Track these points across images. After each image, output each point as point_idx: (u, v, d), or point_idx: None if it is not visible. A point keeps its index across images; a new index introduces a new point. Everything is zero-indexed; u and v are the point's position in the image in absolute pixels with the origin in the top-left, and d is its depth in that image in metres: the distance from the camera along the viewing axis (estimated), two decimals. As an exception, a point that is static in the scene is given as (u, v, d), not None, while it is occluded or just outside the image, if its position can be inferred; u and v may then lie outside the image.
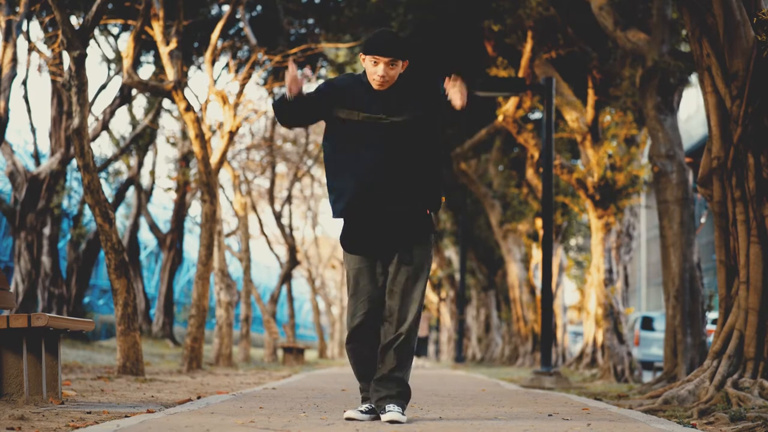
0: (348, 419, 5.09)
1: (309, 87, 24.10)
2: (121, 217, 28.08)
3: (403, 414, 5.02)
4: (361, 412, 5.18)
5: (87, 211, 21.54)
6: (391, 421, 4.95)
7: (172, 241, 25.75)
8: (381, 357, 5.16)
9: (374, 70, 5.05)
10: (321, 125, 30.08)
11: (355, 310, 5.17)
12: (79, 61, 9.92)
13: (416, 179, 5.13)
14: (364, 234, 5.15)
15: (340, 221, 5.24)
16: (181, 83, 12.85)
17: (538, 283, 22.81)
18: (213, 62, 14.90)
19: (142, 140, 22.48)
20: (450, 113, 5.16)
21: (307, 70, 18.59)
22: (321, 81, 23.45)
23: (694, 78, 13.29)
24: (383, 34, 5.08)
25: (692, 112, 35.07)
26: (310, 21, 19.97)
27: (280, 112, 5.13)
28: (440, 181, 5.26)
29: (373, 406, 5.20)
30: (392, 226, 5.12)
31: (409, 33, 18.31)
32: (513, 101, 16.66)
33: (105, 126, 19.72)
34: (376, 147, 5.07)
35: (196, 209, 29.96)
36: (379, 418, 5.15)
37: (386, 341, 5.14)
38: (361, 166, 5.07)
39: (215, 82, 15.92)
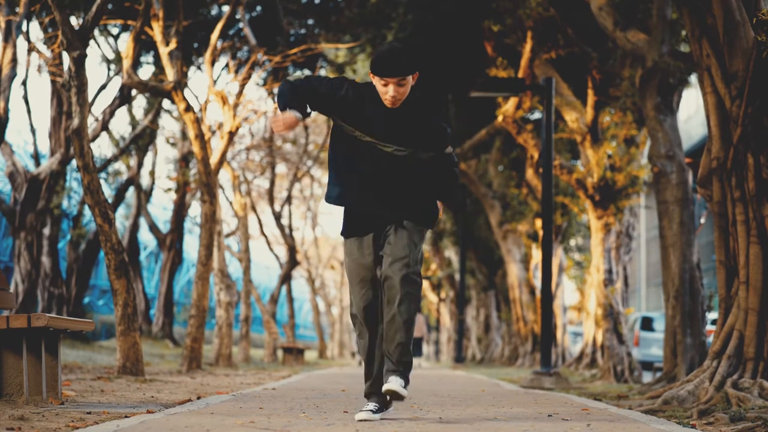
0: (361, 421, 5.06)
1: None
2: (121, 218, 28.09)
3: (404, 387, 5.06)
4: (372, 411, 5.18)
5: (87, 211, 21.54)
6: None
7: (171, 242, 25.75)
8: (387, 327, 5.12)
9: (385, 90, 4.94)
10: (320, 125, 29.84)
11: (359, 293, 5.17)
12: (79, 62, 9.92)
13: (414, 198, 5.15)
14: (359, 217, 5.19)
15: (341, 215, 5.33)
16: (180, 84, 12.85)
17: (537, 283, 22.80)
18: (213, 63, 14.90)
19: (142, 141, 22.48)
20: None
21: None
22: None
23: (694, 78, 13.29)
24: (390, 53, 4.89)
25: (692, 112, 35.06)
26: (310, 21, 19.95)
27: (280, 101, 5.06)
28: (435, 202, 5.25)
29: (380, 405, 5.22)
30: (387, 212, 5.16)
31: (409, 33, 18.31)
32: (513, 102, 16.65)
33: (105, 126, 19.71)
34: (378, 166, 5.09)
35: (195, 210, 30.00)
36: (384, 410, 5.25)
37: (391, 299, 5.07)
38: (362, 181, 5.10)
39: (215, 82, 15.91)
